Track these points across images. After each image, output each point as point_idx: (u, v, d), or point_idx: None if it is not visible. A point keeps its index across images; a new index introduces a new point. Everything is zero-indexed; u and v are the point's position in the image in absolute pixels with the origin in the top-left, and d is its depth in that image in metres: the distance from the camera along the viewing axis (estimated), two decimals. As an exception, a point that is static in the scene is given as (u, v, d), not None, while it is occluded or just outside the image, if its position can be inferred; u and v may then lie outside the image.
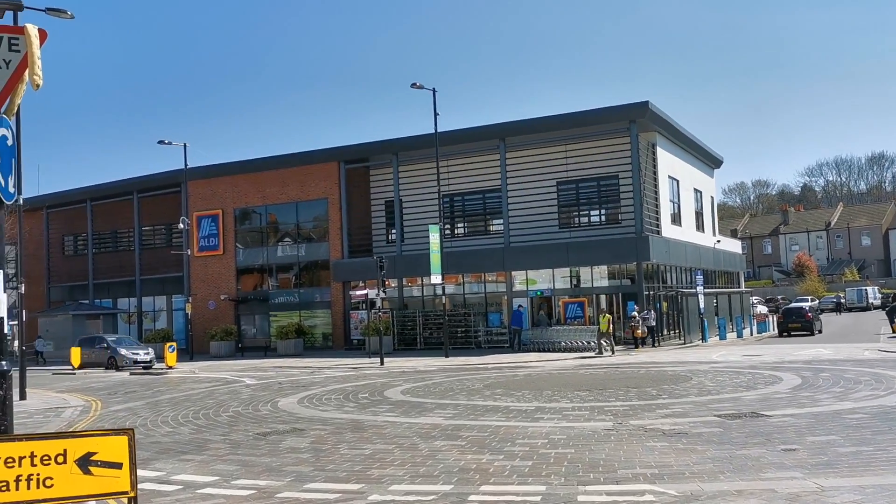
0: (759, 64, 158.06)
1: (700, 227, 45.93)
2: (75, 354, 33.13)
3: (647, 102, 35.12)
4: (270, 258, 44.65)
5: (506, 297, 38.06)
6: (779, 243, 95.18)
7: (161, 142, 39.55)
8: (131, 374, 30.50)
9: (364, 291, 34.94)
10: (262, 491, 8.29)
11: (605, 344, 30.03)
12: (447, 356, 31.24)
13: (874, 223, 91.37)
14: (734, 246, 55.67)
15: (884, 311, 53.86)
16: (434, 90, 32.53)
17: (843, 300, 64.57)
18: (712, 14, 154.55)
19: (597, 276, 36.96)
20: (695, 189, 45.17)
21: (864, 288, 68.37)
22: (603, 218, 38.70)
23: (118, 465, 5.87)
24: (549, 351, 32.92)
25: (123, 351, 33.74)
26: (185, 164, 40.53)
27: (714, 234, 49.48)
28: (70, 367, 33.20)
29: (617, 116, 36.01)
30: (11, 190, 5.94)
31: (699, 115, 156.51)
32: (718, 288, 45.60)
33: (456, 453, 9.82)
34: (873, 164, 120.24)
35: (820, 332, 38.82)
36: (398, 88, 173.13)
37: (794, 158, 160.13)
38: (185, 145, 40.16)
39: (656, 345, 34.30)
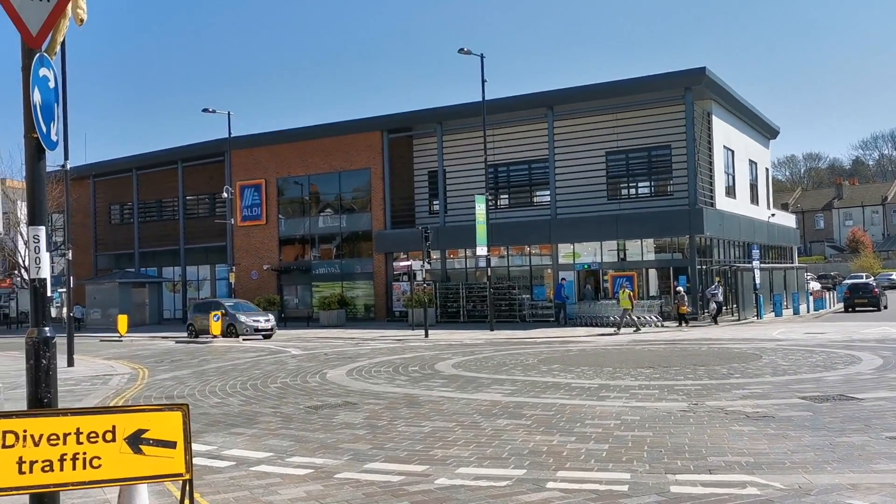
0: (819, 29, 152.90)
1: (755, 199, 44.44)
2: (122, 322, 33.13)
3: (703, 69, 33.73)
4: (313, 228, 44.33)
5: (550, 271, 37.26)
6: (832, 218, 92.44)
7: (205, 110, 39.33)
8: (177, 342, 30.39)
9: (407, 263, 34.35)
10: (319, 470, 7.72)
11: (630, 319, 29.05)
12: (492, 329, 30.63)
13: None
14: (788, 220, 53.90)
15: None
16: (482, 56, 31.59)
17: (867, 282, 62.17)
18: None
19: (646, 250, 35.97)
20: (750, 160, 43.62)
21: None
22: (654, 189, 37.56)
23: (172, 444, 5.29)
24: (596, 325, 32.09)
25: (243, 318, 31.22)
26: (230, 133, 40.18)
27: (768, 207, 47.91)
28: (117, 335, 33.28)
29: (672, 84, 34.67)
30: (54, 138, 5.34)
31: (753, 81, 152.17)
32: (772, 263, 44.18)
33: (522, 433, 9.15)
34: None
35: (885, 307, 38.48)
36: (443, 57, 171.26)
37: (848, 131, 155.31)
38: (228, 114, 39.80)
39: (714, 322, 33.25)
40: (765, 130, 46.96)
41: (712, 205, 35.93)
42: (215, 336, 30.22)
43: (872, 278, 63.89)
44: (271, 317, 32.64)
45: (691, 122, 34.14)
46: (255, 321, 31.30)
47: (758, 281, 35.03)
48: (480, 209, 31.17)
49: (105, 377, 17.09)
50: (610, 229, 35.34)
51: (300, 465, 7.95)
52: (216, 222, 45.74)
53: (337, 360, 19.14)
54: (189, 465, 5.28)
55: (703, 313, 33.54)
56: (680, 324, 31.03)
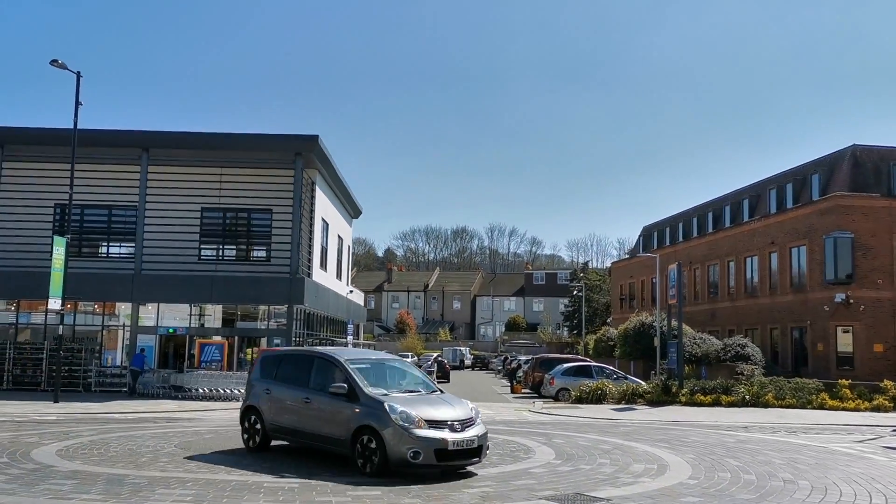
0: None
1: (339, 274, 45.11)
2: None
3: (317, 136, 33.26)
4: None
5: (124, 333, 32.53)
6: (382, 299, 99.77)
7: None
8: None
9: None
10: None
11: None
12: (56, 401, 25.00)
13: (465, 289, 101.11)
14: (359, 298, 56.08)
15: (499, 372, 59.34)
16: (79, 74, 26.63)
17: (442, 358, 68.90)
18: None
19: (246, 317, 33.61)
20: (339, 235, 44.32)
21: (459, 348, 74.16)
22: (252, 253, 35.53)
23: None
24: (183, 399, 28.41)
25: None
26: None
27: (348, 283, 49.11)
28: None
29: (283, 146, 33.47)
30: None
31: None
32: (335, 336, 44.93)
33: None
34: (457, 237, 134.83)
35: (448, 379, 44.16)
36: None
37: (392, 224, 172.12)
38: None
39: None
40: (351, 209, 48.42)
41: (310, 275, 35.19)
42: None
43: (417, 358, 70.09)
44: None
45: (299, 189, 33.24)
46: None
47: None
48: (58, 253, 25.65)
49: None
50: (204, 291, 32.21)
51: None
52: None
53: None
54: None
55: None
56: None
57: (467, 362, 72.85)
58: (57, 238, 26.15)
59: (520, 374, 40.07)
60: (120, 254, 34.89)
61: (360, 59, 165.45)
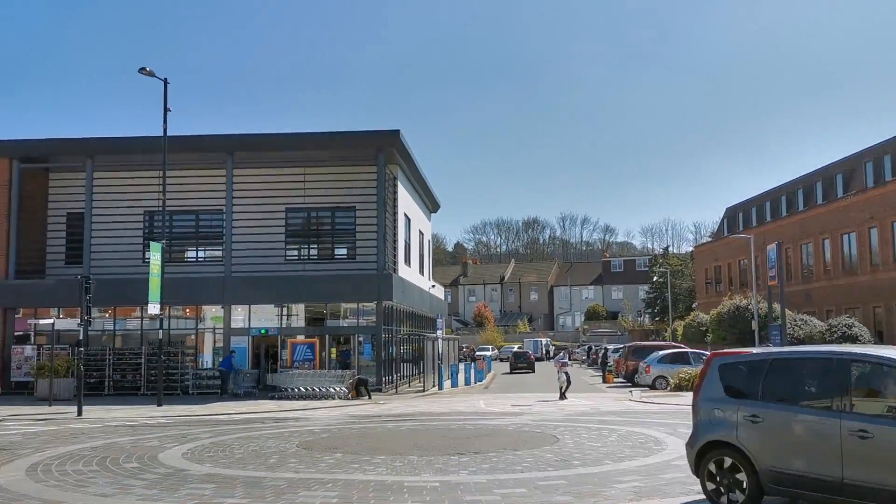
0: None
1: (421, 269, 44.93)
2: None
3: (398, 132, 33.03)
4: None
5: (215, 335, 33.00)
6: (458, 294, 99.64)
7: None
8: None
9: (49, 321, 27.48)
10: None
11: None
12: (160, 404, 25.40)
13: (541, 280, 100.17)
14: (440, 293, 55.88)
15: (584, 362, 58.90)
16: (166, 81, 26.95)
17: (526, 351, 68.29)
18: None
19: (331, 315, 33.67)
20: (419, 231, 44.11)
21: (539, 339, 73.35)
22: (335, 251, 35.61)
23: None
24: (279, 398, 28.52)
25: None
26: None
27: (429, 278, 48.92)
28: None
29: (365, 143, 33.35)
30: None
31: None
32: (424, 332, 44.75)
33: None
34: (528, 228, 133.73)
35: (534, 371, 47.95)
36: (97, 79, 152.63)
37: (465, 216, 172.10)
38: None
39: (396, 392, 31.80)
40: (430, 203, 48.18)
41: (395, 271, 35.04)
42: None
43: (497, 350, 69.81)
44: None
45: (382, 184, 33.08)
46: None
47: (440, 350, 34.73)
48: (155, 259, 26.04)
49: None
50: (292, 291, 32.39)
51: None
52: None
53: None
54: None
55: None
56: (358, 396, 28.50)
57: (549, 354, 72.04)
58: (153, 244, 26.54)
59: (610, 363, 39.16)
60: (206, 257, 35.42)
61: (423, 55, 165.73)
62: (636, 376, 33.81)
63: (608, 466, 10.88)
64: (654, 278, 74.09)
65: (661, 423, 17.28)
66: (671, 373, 30.96)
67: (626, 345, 41.57)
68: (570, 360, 32.47)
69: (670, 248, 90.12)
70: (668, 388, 30.15)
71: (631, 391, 30.46)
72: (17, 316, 33.31)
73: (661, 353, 33.48)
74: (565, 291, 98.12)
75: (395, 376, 33.62)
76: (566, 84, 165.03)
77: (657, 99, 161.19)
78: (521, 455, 12.14)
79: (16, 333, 33.29)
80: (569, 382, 27.81)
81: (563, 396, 26.77)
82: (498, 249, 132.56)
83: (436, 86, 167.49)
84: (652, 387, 31.43)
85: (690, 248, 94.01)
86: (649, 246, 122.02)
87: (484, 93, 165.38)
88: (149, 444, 14.06)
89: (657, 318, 76.67)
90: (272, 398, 28.63)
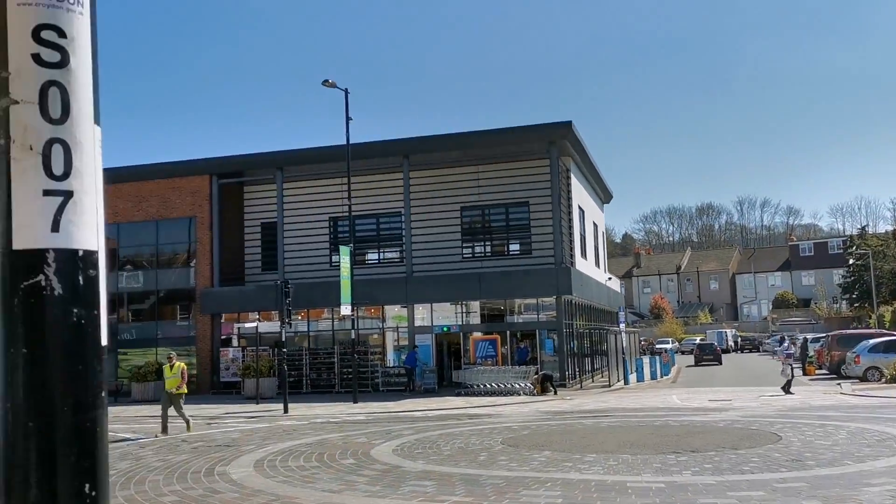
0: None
1: (597, 262, 44.07)
2: None
3: (570, 123, 32.51)
4: (120, 285, 37.59)
5: (397, 334, 33.97)
6: (631, 286, 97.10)
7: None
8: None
9: (253, 325, 29.38)
10: None
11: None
12: (356, 401, 26.43)
13: (722, 268, 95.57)
14: (615, 285, 54.60)
15: (776, 353, 55.46)
16: (346, 91, 28.03)
17: (712, 342, 65.35)
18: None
19: (508, 311, 33.73)
20: (593, 222, 43.28)
21: (724, 330, 69.96)
22: (510, 247, 35.64)
23: None
24: (466, 395, 28.83)
25: None
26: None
27: (605, 270, 47.90)
28: None
29: (536, 137, 33.11)
30: None
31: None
32: (607, 326, 43.75)
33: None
34: (702, 214, 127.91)
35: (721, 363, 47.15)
36: (280, 92, 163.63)
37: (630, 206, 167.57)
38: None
39: (580, 387, 31.30)
40: (603, 194, 47.19)
41: (573, 264, 34.52)
42: None
43: (677, 343, 67.17)
44: None
45: (556, 177, 32.67)
46: None
47: (625, 344, 33.83)
48: (345, 262, 27.16)
49: None
50: (471, 289, 32.68)
51: None
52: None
53: (216, 450, 14.22)
54: None
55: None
56: (543, 392, 28.18)
57: (733, 345, 68.61)
58: (342, 248, 27.68)
59: (810, 353, 36.51)
60: (386, 259, 36.53)
61: (585, 44, 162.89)
62: (843, 367, 31.24)
63: (850, 467, 9.94)
64: (851, 261, 68.42)
65: (890, 417, 15.73)
66: (885, 363, 28.35)
67: (829, 333, 38.50)
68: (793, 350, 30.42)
69: (867, 228, 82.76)
70: (883, 380, 27.64)
71: (839, 383, 28.19)
72: (221, 321, 35.94)
73: (873, 341, 30.69)
74: (748, 279, 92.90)
75: (576, 371, 33.15)
76: (733, 56, 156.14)
77: (837, 66, 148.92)
78: (744, 454, 11.37)
79: (242, 335, 35.90)
80: (793, 375, 26.20)
81: (788, 391, 25.02)
82: (670, 238, 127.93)
83: (598, 74, 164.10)
84: (863, 378, 28.92)
85: (890, 227, 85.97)
86: (839, 227, 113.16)
87: (649, 75, 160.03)
88: (358, 441, 14.58)
89: (857, 304, 70.77)
90: (458, 394, 28.99)
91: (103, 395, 1.20)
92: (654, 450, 12.01)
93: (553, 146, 32.57)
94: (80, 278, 1.18)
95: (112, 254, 38.05)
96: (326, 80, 27.04)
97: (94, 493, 1.06)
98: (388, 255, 36.82)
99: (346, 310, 27.07)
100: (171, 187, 36.68)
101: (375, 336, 34.91)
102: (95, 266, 1.20)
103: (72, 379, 1.12)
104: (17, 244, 1.16)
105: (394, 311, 34.41)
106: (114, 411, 27.19)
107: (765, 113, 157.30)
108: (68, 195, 1.20)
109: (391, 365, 33.99)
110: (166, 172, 36.86)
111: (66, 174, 1.19)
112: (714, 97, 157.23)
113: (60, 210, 1.18)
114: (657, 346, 56.22)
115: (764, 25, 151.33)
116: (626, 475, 9.80)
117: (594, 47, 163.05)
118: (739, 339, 70.98)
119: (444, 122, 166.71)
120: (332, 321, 34.30)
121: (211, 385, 34.94)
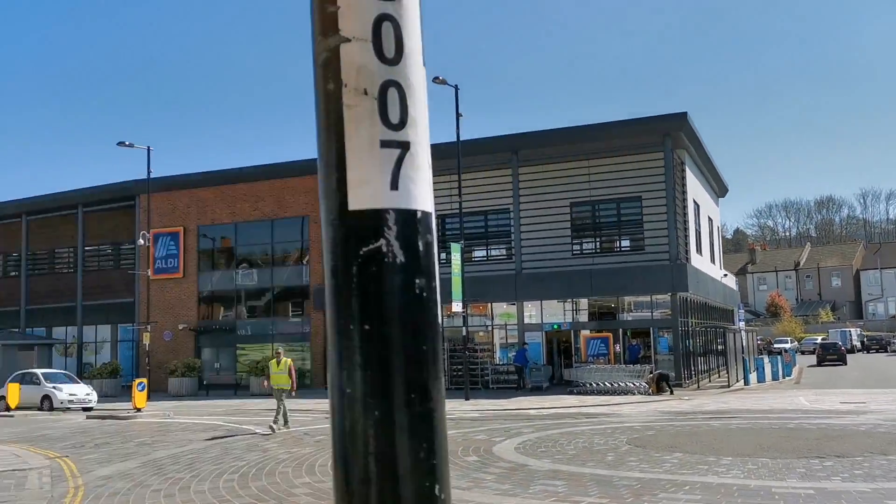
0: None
1: (712, 258, 42.53)
2: (13, 392, 26.82)
3: (685, 114, 31.49)
4: (238, 282, 39.06)
5: (505, 331, 33.78)
6: (746, 283, 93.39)
7: (121, 143, 33.80)
8: (88, 417, 24.55)
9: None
10: None
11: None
12: (467, 398, 26.46)
13: (845, 263, 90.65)
14: (731, 282, 52.59)
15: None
16: (457, 87, 28.08)
17: (835, 341, 62.05)
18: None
19: (621, 309, 33.03)
20: (709, 217, 41.78)
21: (847, 329, 66.31)
22: (621, 244, 34.78)
23: None
24: (578, 393, 28.36)
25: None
26: (148, 171, 34.82)
27: (720, 266, 46.20)
28: (4, 408, 26.99)
29: (650, 129, 32.19)
30: None
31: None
32: (725, 324, 42.13)
33: None
34: (821, 208, 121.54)
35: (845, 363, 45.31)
36: None
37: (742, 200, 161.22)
38: (148, 149, 34.59)
39: (697, 387, 30.28)
40: (718, 187, 45.53)
41: (688, 261, 33.39)
42: (139, 409, 24.70)
43: (797, 342, 64.13)
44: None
45: (670, 171, 31.71)
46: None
47: (744, 343, 32.52)
48: (456, 259, 27.25)
49: (15, 473, 11.91)
50: (582, 286, 32.11)
51: None
52: (130, 273, 39.75)
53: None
54: None
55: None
56: (659, 392, 27.32)
57: (858, 345, 64.85)
58: (453, 245, 27.77)
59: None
60: (494, 256, 36.34)
61: (696, 31, 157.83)
62: None
63: None
64: None
65: None
66: None
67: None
68: None
69: None
70: None
71: None
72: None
73: None
74: (874, 275, 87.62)
75: (693, 371, 32.09)
76: (848, 35, 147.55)
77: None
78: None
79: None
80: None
81: None
82: (787, 234, 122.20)
83: (711, 64, 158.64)
84: None
85: None
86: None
87: (762, 63, 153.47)
88: (478, 438, 14.53)
89: None
90: (570, 393, 28.58)
91: (441, 380, 1.11)
92: (795, 454, 11.36)
93: (667, 138, 31.63)
94: (420, 244, 1.08)
95: (229, 252, 39.63)
96: (437, 77, 27.17)
97: (443, 497, 0.95)
98: (496, 252, 36.66)
99: (457, 306, 27.15)
100: (285, 187, 37.75)
101: (482, 333, 34.88)
102: (432, 230, 1.11)
103: (417, 361, 1.02)
104: (354, 204, 1.07)
105: (502, 309, 34.28)
106: (235, 404, 28.29)
107: (888, 100, 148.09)
108: (405, 147, 1.09)
109: (500, 362, 33.87)
110: (280, 172, 37.95)
111: (402, 122, 1.09)
112: (832, 85, 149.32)
113: (399, 164, 1.08)
114: (775, 346, 53.89)
115: (883, 9, 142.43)
116: (769, 480, 9.29)
117: (705, 37, 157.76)
118: (865, 339, 67.04)
119: (554, 117, 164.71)
120: (441, 318, 34.46)
121: (324, 380, 35.82)
